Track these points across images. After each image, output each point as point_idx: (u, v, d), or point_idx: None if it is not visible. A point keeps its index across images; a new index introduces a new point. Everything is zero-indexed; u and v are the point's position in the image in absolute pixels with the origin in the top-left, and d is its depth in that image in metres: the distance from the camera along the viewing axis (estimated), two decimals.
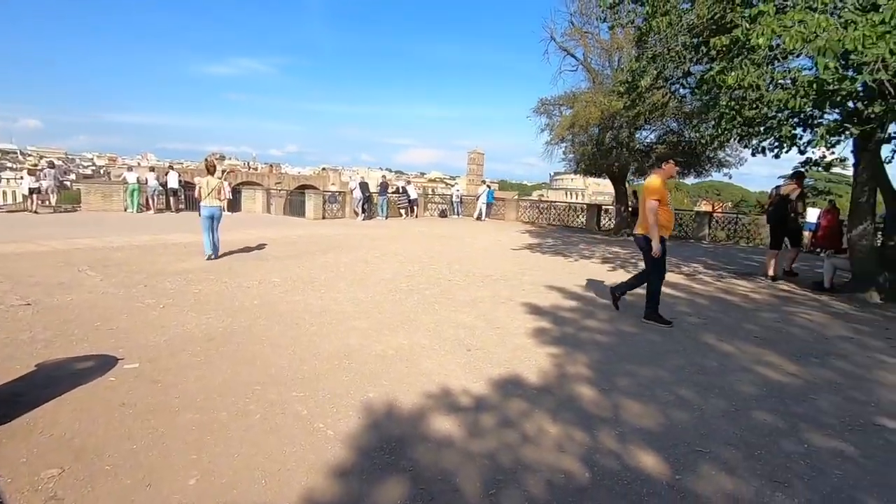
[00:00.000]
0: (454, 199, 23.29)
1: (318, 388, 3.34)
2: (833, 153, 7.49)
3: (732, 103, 6.24)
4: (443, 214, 22.68)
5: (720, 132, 6.99)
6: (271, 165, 73.62)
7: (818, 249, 13.16)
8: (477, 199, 22.08)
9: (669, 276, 8.38)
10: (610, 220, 19.53)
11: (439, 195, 28.07)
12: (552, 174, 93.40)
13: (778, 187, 8.83)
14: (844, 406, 3.41)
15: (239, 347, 4.04)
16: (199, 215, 8.32)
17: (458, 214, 22.71)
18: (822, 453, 2.77)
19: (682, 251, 12.96)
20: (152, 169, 21.30)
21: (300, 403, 3.10)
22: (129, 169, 19.60)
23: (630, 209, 17.76)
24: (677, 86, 8.91)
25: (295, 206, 19.09)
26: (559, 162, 20.57)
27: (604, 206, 20.06)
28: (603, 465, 2.55)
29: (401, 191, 21.71)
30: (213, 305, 5.27)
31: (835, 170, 9.40)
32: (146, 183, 17.77)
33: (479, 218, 21.39)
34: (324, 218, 17.91)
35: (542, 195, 73.63)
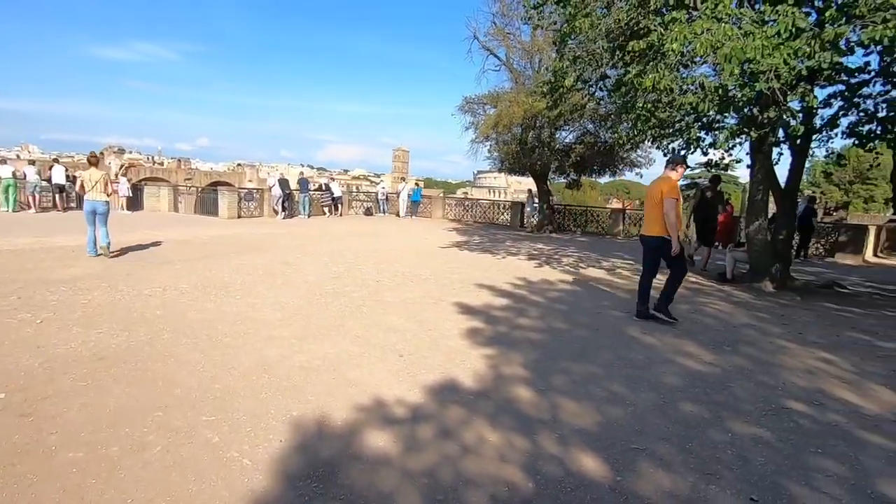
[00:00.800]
0: (380, 196, 22.86)
1: (233, 408, 2.97)
2: (731, 155, 8.17)
3: (649, 105, 6.54)
4: (368, 212, 22.18)
5: (637, 133, 7.33)
6: (179, 160, 68.08)
7: (716, 244, 14.46)
8: (398, 197, 21.88)
9: (592, 272, 8.72)
10: (525, 217, 20.11)
11: (364, 193, 27.41)
12: (475, 172, 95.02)
13: (700, 188, 9.57)
14: (757, 392, 3.62)
15: (137, 367, 3.52)
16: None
17: (384, 212, 22.32)
18: (744, 441, 2.89)
19: (599, 247, 13.62)
20: (32, 162, 18.68)
21: (211, 429, 2.72)
22: (3, 161, 17.04)
23: (550, 208, 18.42)
24: (595, 88, 9.28)
25: (207, 204, 17.68)
26: (484, 160, 20.85)
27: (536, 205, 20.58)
28: (546, 473, 2.46)
29: (324, 188, 20.89)
30: (106, 318, 4.60)
31: (715, 170, 10.20)
32: (24, 178, 15.57)
33: (401, 215, 21.21)
34: (239, 217, 16.76)
35: (467, 193, 74.72)
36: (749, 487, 2.41)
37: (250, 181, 52.48)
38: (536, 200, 18.60)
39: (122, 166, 24.10)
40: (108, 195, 7.78)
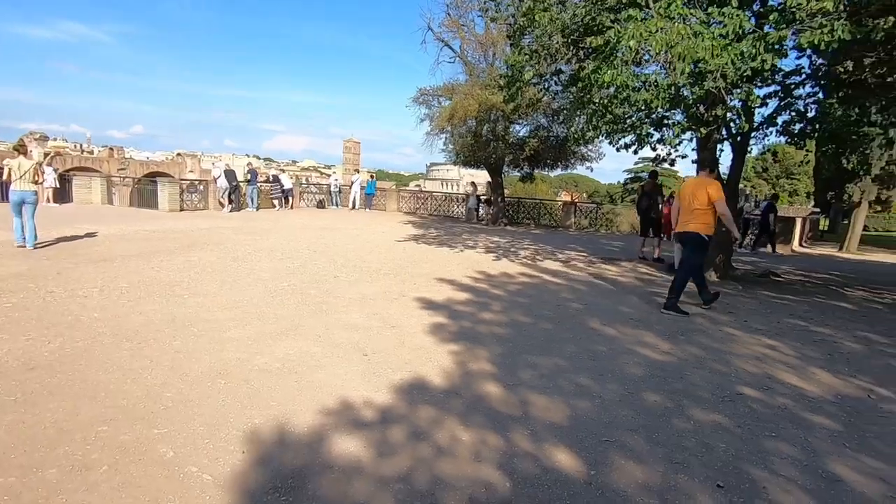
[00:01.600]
0: (333, 188, 22.30)
1: (188, 419, 2.76)
2: (677, 150, 8.51)
3: (604, 101, 6.67)
4: (321, 205, 21.59)
5: (592, 128, 7.46)
6: (112, 149, 63.44)
7: (662, 235, 15.14)
8: (350, 188, 21.47)
9: (549, 265, 8.87)
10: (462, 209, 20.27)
11: (315, 185, 26.67)
12: (429, 164, 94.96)
13: (640, 184, 10.01)
14: (712, 379, 3.78)
15: (74, 377, 3.21)
16: (9, 201, 7.22)
17: (337, 205, 21.81)
18: (705, 428, 3.00)
19: (553, 239, 13.91)
20: None
21: (164, 443, 2.51)
22: None
23: (502, 200, 18.63)
24: (550, 83, 9.39)
25: (145, 196, 16.59)
26: (440, 153, 20.79)
27: (482, 197, 20.74)
28: (522, 471, 2.44)
29: (272, 180, 20.13)
30: (35, 323, 4.18)
31: (664, 165, 10.68)
32: None
33: (353, 207, 20.84)
34: (182, 210, 15.85)
35: (420, 185, 74.51)
36: (715, 474, 2.50)
37: (192, 172, 49.89)
38: (479, 193, 18.83)
39: (46, 155, 22.19)
40: (35, 185, 7.33)
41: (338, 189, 22.26)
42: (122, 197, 17.13)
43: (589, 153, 17.39)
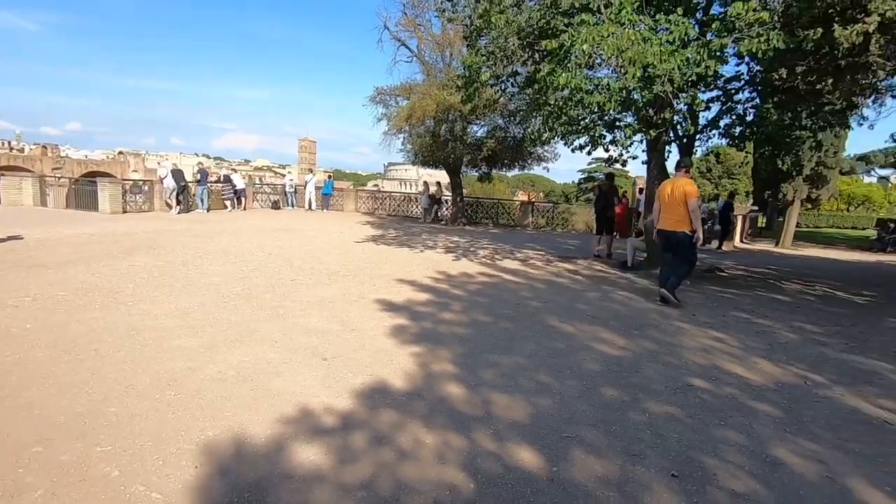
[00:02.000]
0: (288, 189, 21.72)
1: (135, 434, 2.61)
2: (628, 151, 8.82)
3: (560, 103, 6.82)
4: (276, 206, 20.98)
5: (548, 129, 7.62)
6: (45, 147, 59.28)
7: (615, 234, 15.68)
8: (305, 188, 21.04)
9: (508, 264, 8.98)
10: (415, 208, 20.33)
11: (269, 185, 25.91)
12: (386, 164, 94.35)
13: (598, 184, 10.36)
14: (665, 372, 3.94)
15: (4, 394, 2.96)
16: None
17: (292, 206, 21.26)
18: (659, 419, 3.11)
19: (512, 238, 14.11)
20: None
21: (108, 461, 2.36)
22: None
23: (436, 198, 18.69)
24: (507, 84, 9.52)
25: (84, 197, 15.61)
26: (398, 152, 20.67)
27: (442, 197, 20.80)
28: (486, 471, 2.45)
29: (223, 180, 19.39)
30: None
31: (616, 165, 11.04)
32: None
33: (310, 208, 20.44)
34: (125, 212, 15.01)
35: (378, 185, 73.87)
36: (669, 464, 2.59)
37: (136, 171, 47.52)
38: (430, 193, 18.95)
39: None
40: None
41: (293, 189, 21.71)
42: (58, 198, 16.04)
43: (545, 154, 17.77)
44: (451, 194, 18.88)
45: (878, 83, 8.81)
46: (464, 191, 20.07)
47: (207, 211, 16.62)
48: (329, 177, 23.33)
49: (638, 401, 3.36)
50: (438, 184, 19.49)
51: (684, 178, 6.24)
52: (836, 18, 5.71)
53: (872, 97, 9.39)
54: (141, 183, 17.38)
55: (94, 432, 2.60)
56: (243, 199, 19.12)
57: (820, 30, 5.82)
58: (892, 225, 22.25)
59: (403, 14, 16.50)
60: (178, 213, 15.59)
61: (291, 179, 22.90)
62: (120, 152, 65.73)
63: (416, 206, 21.27)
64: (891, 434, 3.06)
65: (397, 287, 6.46)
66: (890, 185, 49.89)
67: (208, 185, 17.25)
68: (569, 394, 3.42)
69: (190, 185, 16.89)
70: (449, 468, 2.47)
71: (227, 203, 18.21)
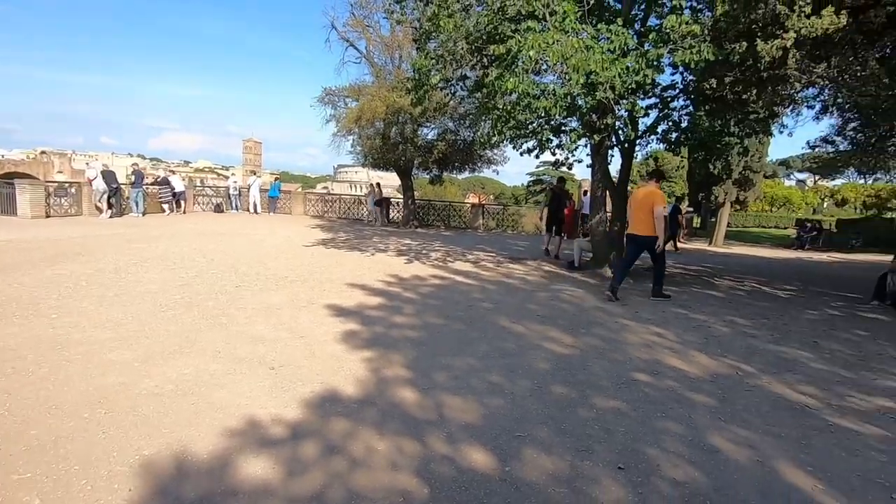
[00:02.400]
0: (231, 191, 20.85)
1: (60, 458, 2.40)
2: (574, 155, 9.11)
3: (508, 107, 6.95)
4: (218, 209, 20.08)
5: (497, 133, 7.74)
6: None
7: (563, 235, 16.16)
8: (249, 191, 20.31)
9: (459, 266, 9.04)
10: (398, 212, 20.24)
11: (211, 187, 24.78)
12: (336, 166, 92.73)
13: (549, 187, 10.91)
14: (611, 368, 4.08)
15: None
16: None
17: (236, 209, 20.44)
18: (606, 414, 3.23)
19: (463, 240, 14.22)
20: None
21: (27, 489, 2.16)
22: None
23: (377, 200, 18.69)
24: (456, 87, 9.60)
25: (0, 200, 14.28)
26: (347, 154, 20.36)
27: (393, 199, 20.68)
28: (439, 475, 2.44)
29: (161, 182, 18.36)
30: None
31: (562, 169, 11.51)
32: None
33: (255, 211, 19.75)
34: (48, 216, 13.88)
35: (327, 188, 72.49)
36: (616, 457, 2.69)
37: (61, 173, 44.27)
38: (376, 195, 18.92)
39: None
40: None
41: (237, 192, 20.86)
42: None
43: (495, 157, 18.04)
44: (381, 195, 18.74)
45: (796, 94, 9.59)
46: (415, 193, 20.04)
47: (143, 215, 15.67)
48: (276, 179, 22.61)
49: (586, 397, 3.47)
50: (378, 185, 19.51)
51: (654, 187, 6.76)
52: (759, 34, 6.16)
53: (791, 107, 10.23)
54: (67, 185, 16.13)
55: (11, 458, 2.38)
56: (183, 203, 18.18)
57: (745, 44, 6.25)
58: (808, 225, 24.26)
59: (351, 14, 16.30)
60: (110, 217, 14.60)
61: (235, 182, 22.00)
62: (42, 152, 60.87)
63: (383, 210, 21.01)
64: (811, 418, 3.32)
65: (348, 291, 6.34)
66: (807, 187, 54.44)
67: (143, 187, 16.28)
68: (520, 393, 3.47)
69: (123, 187, 15.86)
70: (402, 474, 2.44)
71: (165, 206, 17.24)
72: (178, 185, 18.47)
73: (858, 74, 8.65)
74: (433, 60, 7.68)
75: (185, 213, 17.94)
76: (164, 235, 11.10)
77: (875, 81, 8.05)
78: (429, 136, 17.32)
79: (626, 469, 2.57)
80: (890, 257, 8.52)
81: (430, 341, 4.51)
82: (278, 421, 2.89)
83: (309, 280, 6.95)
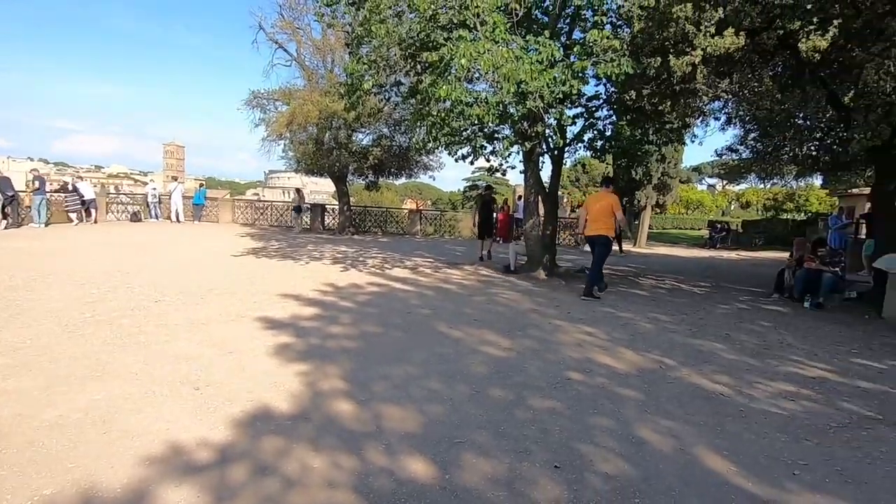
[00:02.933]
0: (150, 199, 19.43)
1: None
2: (508, 161, 9.36)
3: (442, 114, 7.01)
4: (135, 218, 18.64)
5: (431, 139, 7.79)
6: None
7: (498, 239, 16.53)
8: (170, 198, 19.06)
9: (397, 273, 8.99)
10: (334, 219, 19.81)
11: (127, 194, 22.99)
12: (267, 172, 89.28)
13: (480, 194, 11.35)
14: (546, 369, 4.21)
15: None
16: None
17: (156, 217, 19.07)
18: (542, 414, 3.31)
19: (401, 247, 14.15)
20: None
21: None
22: None
23: (295, 206, 18.40)
24: (391, 93, 9.57)
25: None
26: (279, 159, 19.62)
27: (327, 206, 20.21)
28: (378, 489, 2.39)
29: (69, 188, 16.75)
30: None
31: (497, 175, 11.96)
32: None
33: (177, 220, 18.57)
34: None
35: (258, 194, 69.59)
36: (552, 456, 2.76)
37: None
38: (307, 202, 18.63)
39: None
40: None
41: (157, 199, 19.49)
42: None
43: (431, 162, 18.17)
44: (301, 202, 18.37)
45: (704, 107, 10.46)
46: (351, 199, 19.71)
47: (45, 225, 14.21)
48: (201, 185, 21.40)
49: (523, 398, 3.54)
50: (299, 191, 19.21)
51: (610, 194, 7.45)
52: (672, 50, 6.65)
53: (700, 118, 11.13)
54: None
55: None
56: (93, 211, 16.68)
57: (659, 59, 6.74)
58: (718, 226, 26.45)
59: (280, 16, 15.82)
60: (6, 227, 13.12)
61: (154, 188, 20.53)
62: None
63: (303, 216, 20.40)
64: (725, 405, 3.59)
65: (281, 303, 6.09)
66: (716, 191, 59.39)
67: (47, 194, 14.78)
68: (459, 399, 3.49)
69: (22, 195, 14.32)
70: (339, 492, 2.36)
71: (73, 216, 15.74)
72: (88, 192, 16.93)
73: (756, 90, 9.60)
74: (366, 65, 7.61)
75: (96, 222, 16.48)
76: (71, 248, 10.12)
77: (769, 97, 8.95)
78: (364, 142, 17.14)
79: (561, 467, 2.65)
80: (787, 254, 9.47)
81: (368, 351, 4.43)
82: (204, 444, 2.71)
83: (238, 292, 6.60)
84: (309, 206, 19.85)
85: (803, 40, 6.11)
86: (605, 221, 7.19)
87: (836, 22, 5.99)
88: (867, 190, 13.74)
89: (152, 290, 6.39)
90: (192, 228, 16.73)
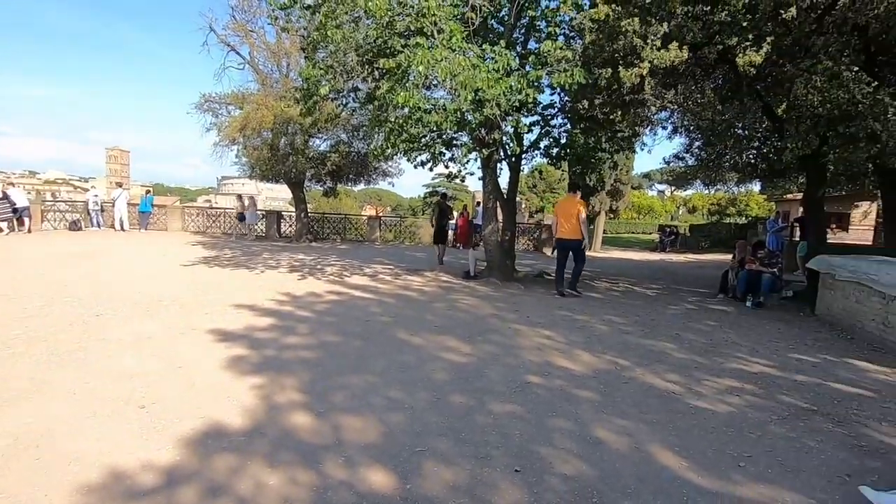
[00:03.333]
0: (92, 206, 18.31)
1: None
2: (466, 168, 9.44)
3: (400, 120, 7.00)
4: (75, 226, 17.52)
5: (390, 145, 7.75)
6: None
7: (458, 245, 16.60)
8: (114, 205, 18.08)
9: (357, 280, 8.87)
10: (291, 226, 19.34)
11: (66, 202, 21.62)
12: (220, 178, 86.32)
13: (436, 201, 11.60)
14: (506, 373, 4.25)
15: None
16: None
17: (98, 226, 17.99)
18: (502, 418, 3.34)
19: (360, 254, 13.98)
20: None
21: None
22: None
23: (306, 216, 18.10)
24: (348, 99, 9.48)
25: None
26: (232, 165, 19.01)
27: (283, 213, 19.73)
28: (337, 503, 2.33)
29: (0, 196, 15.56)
30: None
31: (456, 181, 12.05)
32: None
33: (122, 228, 17.62)
34: None
35: (210, 201, 67.08)
36: (513, 460, 2.79)
37: None
38: (258, 208, 18.30)
39: None
40: None
41: (99, 206, 18.38)
42: None
43: (390, 169, 18.08)
44: (245, 210, 18.00)
45: (652, 116, 10.93)
46: (308, 206, 19.31)
47: None
48: (147, 192, 20.37)
49: (483, 404, 3.56)
50: (240, 197, 18.90)
51: (577, 199, 8.13)
52: (621, 62, 6.91)
53: (649, 127, 11.63)
54: None
55: None
56: (27, 220, 15.56)
57: (610, 70, 6.98)
58: (668, 230, 27.65)
59: (232, 18, 15.35)
60: None
61: (96, 195, 19.36)
62: None
63: (258, 224, 19.80)
64: (676, 402, 3.74)
65: (234, 313, 5.88)
66: (665, 197, 62.12)
67: None
68: (419, 406, 3.46)
69: None
70: None
71: (3, 225, 14.64)
72: (21, 199, 15.78)
73: (699, 101, 10.11)
74: (322, 71, 7.50)
75: (29, 231, 15.38)
76: (1, 259, 9.41)
77: (712, 108, 9.45)
78: (321, 148, 16.87)
79: (522, 471, 2.68)
80: (730, 256, 9.99)
81: (327, 361, 4.33)
82: (150, 467, 2.56)
83: (188, 303, 6.32)
84: (263, 213, 19.34)
85: (740, 55, 6.49)
86: (575, 225, 7.88)
87: (768, 39, 6.41)
88: (800, 195, 14.72)
89: (93, 303, 6.02)
90: (137, 237, 15.90)
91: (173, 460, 2.64)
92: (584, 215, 7.90)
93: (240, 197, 18.85)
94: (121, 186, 20.57)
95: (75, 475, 2.45)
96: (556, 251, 8.68)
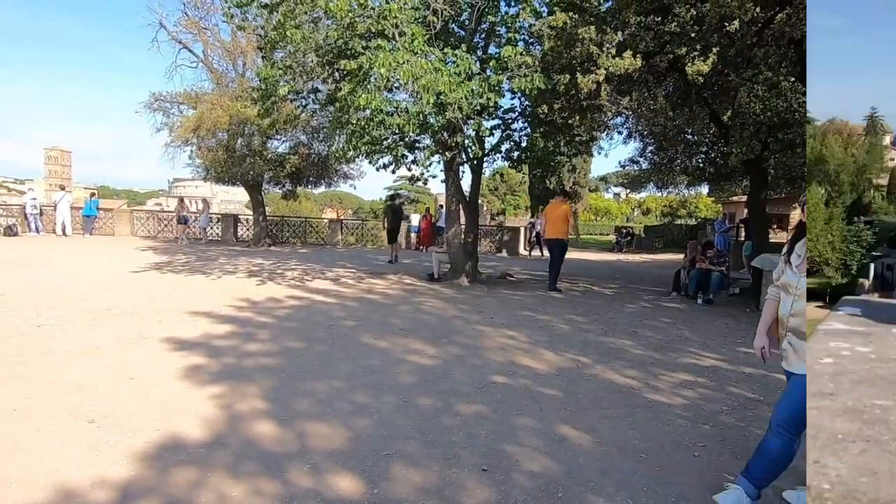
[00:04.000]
0: (30, 209, 17.16)
1: None
2: (429, 171, 9.46)
3: (362, 122, 6.95)
4: (10, 231, 16.38)
5: (351, 148, 7.68)
6: None
7: (421, 247, 16.58)
8: (55, 209, 17.05)
9: (319, 284, 8.73)
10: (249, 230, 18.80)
11: (1, 206, 20.20)
12: (171, 180, 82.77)
13: (388, 204, 12.43)
14: (472, 374, 4.28)
15: None
16: None
17: (37, 231, 16.90)
18: (469, 419, 3.37)
19: (322, 257, 13.74)
20: None
21: None
22: None
23: (265, 219, 17.66)
24: (308, 100, 9.32)
25: None
26: (185, 167, 18.30)
27: (240, 216, 19.14)
28: None
29: None
30: None
31: (419, 184, 12.14)
32: None
33: (64, 233, 16.64)
34: None
35: (161, 204, 64.23)
36: (480, 460, 2.81)
37: None
38: (210, 211, 17.86)
39: None
40: None
41: (37, 210, 17.26)
42: None
43: (351, 171, 17.84)
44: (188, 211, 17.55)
45: (608, 121, 11.32)
46: (267, 209, 18.82)
47: None
48: (92, 195, 19.33)
49: (450, 405, 3.58)
50: (181, 199, 18.44)
51: (563, 202, 9.13)
52: (579, 68, 7.12)
53: (605, 132, 12.02)
54: None
55: None
56: None
57: (568, 76, 7.18)
58: (623, 231, 28.62)
59: (185, 14, 14.78)
60: None
61: (34, 198, 18.17)
62: None
63: (214, 227, 19.12)
64: (635, 397, 3.88)
65: (190, 321, 5.66)
66: (621, 199, 64.30)
67: None
68: (386, 410, 3.45)
69: None
70: None
71: None
72: None
73: (652, 107, 10.55)
74: (281, 71, 7.35)
75: None
76: None
77: (664, 114, 9.88)
78: (280, 149, 16.46)
79: (489, 470, 2.71)
80: (682, 256, 10.45)
81: (290, 367, 4.24)
82: (102, 484, 2.43)
83: (139, 311, 6.04)
84: (219, 216, 18.72)
85: (689, 64, 6.83)
86: (560, 226, 8.77)
87: (714, 50, 6.77)
88: (745, 198, 15.56)
89: (33, 314, 5.66)
90: (82, 242, 15.04)
91: (128, 476, 2.51)
92: (570, 218, 9.04)
93: (181, 200, 18.23)
94: (63, 189, 19.39)
95: (19, 496, 2.30)
96: (549, 250, 9.63)
